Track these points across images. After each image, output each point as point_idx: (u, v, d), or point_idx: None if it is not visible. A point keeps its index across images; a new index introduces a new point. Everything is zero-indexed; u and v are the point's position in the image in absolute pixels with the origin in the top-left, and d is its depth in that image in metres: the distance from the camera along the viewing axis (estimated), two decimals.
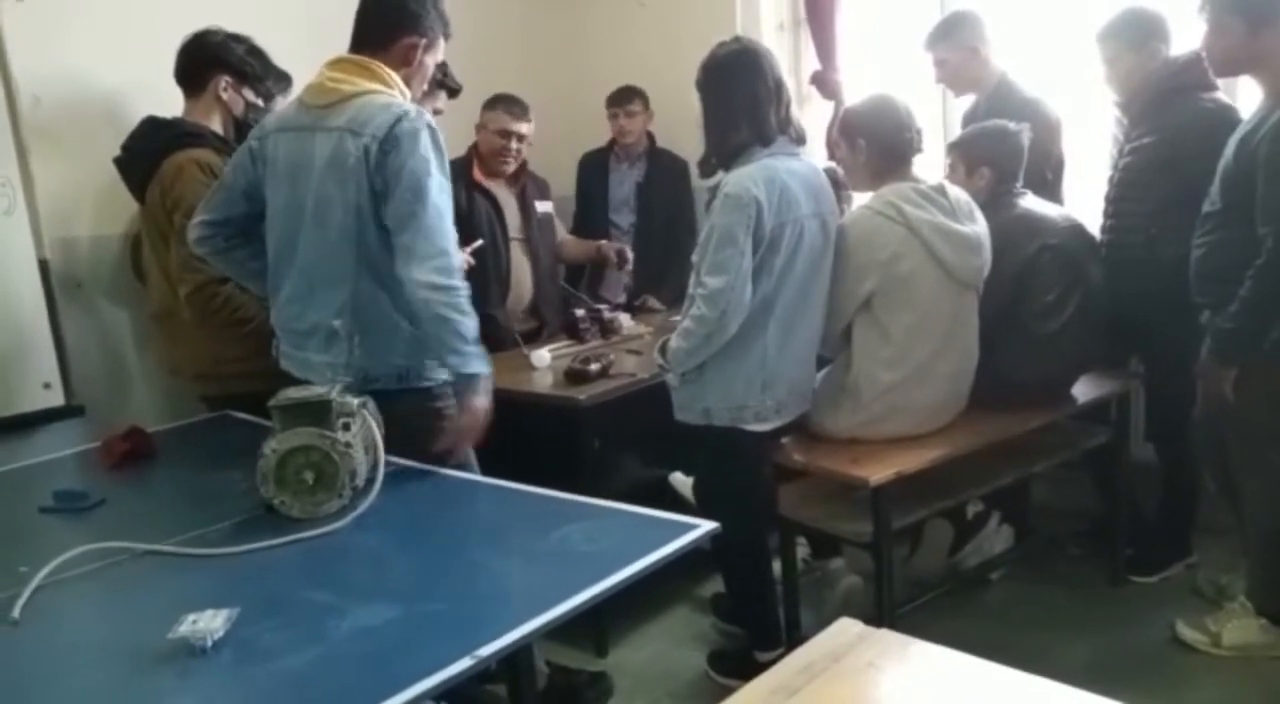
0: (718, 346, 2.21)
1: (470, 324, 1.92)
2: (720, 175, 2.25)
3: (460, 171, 3.02)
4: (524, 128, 3.12)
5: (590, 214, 3.75)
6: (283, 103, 2.60)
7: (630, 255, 3.40)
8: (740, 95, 2.22)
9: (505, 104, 3.11)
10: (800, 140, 2.31)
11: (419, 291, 1.88)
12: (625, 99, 3.61)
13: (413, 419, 1.98)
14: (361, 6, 2.06)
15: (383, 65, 1.99)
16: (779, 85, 2.25)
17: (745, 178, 2.17)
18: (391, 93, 1.98)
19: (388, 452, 1.77)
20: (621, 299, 3.63)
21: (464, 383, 1.95)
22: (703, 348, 2.21)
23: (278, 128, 2.05)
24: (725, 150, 2.25)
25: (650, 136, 3.70)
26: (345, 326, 1.96)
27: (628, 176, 3.71)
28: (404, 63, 2.03)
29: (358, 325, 1.96)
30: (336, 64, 2.01)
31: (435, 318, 1.88)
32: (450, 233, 1.95)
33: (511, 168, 3.19)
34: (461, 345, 1.91)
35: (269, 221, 2.07)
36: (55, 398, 2.59)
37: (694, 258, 2.25)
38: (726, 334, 2.19)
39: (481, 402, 1.95)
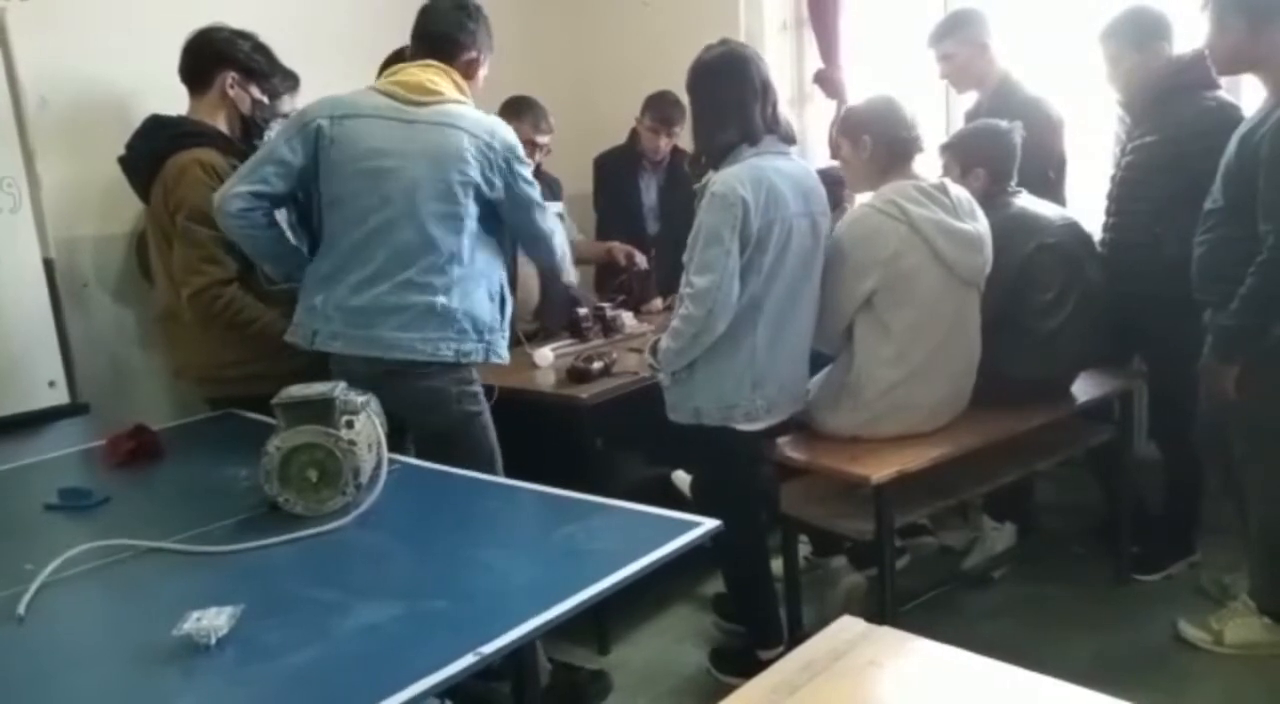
0: (706, 346, 2.22)
1: (565, 264, 2.47)
2: (710, 175, 2.26)
3: None
4: (546, 139, 3.15)
5: (624, 222, 3.59)
6: (289, 102, 2.61)
7: (640, 258, 3.39)
8: (726, 96, 2.24)
9: (532, 116, 3.11)
10: (789, 139, 2.33)
11: (547, 267, 2.57)
12: (673, 119, 3.40)
13: (450, 397, 2.15)
14: (426, 21, 2.20)
15: (463, 80, 2.18)
16: (765, 85, 2.26)
17: (732, 177, 2.18)
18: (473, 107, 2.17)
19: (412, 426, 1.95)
20: (657, 303, 3.54)
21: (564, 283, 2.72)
22: (691, 347, 2.23)
23: (356, 112, 2.10)
24: (713, 150, 2.27)
25: None
26: (447, 303, 2.09)
27: (652, 183, 3.65)
28: (467, 76, 2.20)
29: (464, 305, 2.11)
30: (430, 68, 2.15)
31: (549, 252, 2.35)
32: (556, 223, 2.37)
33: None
34: (562, 263, 2.44)
35: (344, 201, 2.10)
36: (60, 396, 2.59)
37: (684, 258, 2.26)
38: (714, 333, 2.20)
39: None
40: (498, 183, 2.13)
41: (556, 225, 2.34)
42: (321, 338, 2.12)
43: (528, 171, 2.20)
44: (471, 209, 2.11)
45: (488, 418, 2.23)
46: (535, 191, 2.23)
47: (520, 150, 2.18)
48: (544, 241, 2.31)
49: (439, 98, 2.11)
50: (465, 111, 2.13)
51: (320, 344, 2.12)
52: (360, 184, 2.09)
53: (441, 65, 2.16)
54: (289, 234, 2.28)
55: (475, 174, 2.09)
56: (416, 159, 2.07)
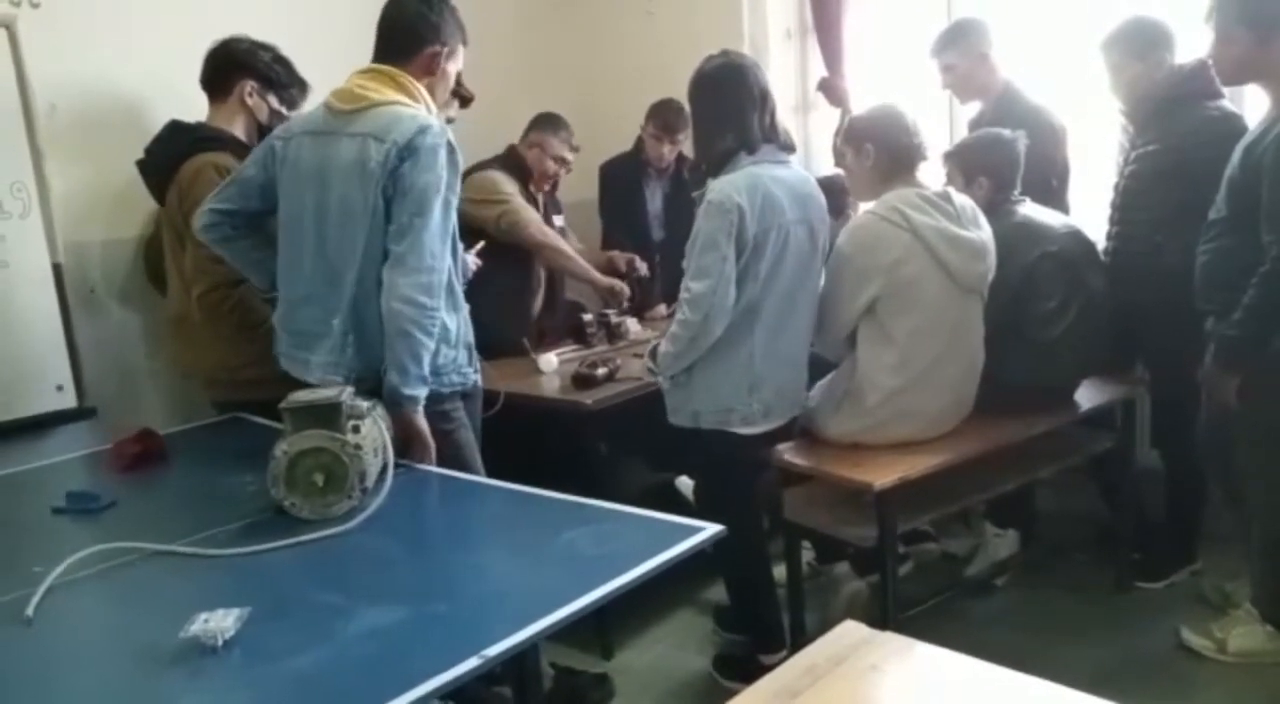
0: (703, 350, 2.24)
1: (429, 348, 1.93)
2: (709, 183, 2.28)
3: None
4: (572, 155, 3.24)
5: (630, 229, 3.60)
6: (302, 110, 2.63)
7: (640, 265, 3.42)
8: (725, 105, 2.27)
9: (565, 132, 3.19)
10: (788, 148, 2.35)
11: (394, 301, 1.90)
12: (677, 127, 3.40)
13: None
14: (383, 18, 2.09)
15: (411, 79, 2.04)
16: (764, 95, 2.29)
17: (728, 185, 2.21)
18: (418, 106, 2.02)
19: None
20: (661, 309, 3.56)
21: (394, 399, 1.91)
22: (688, 351, 2.25)
23: (302, 130, 2.07)
24: (712, 158, 2.30)
25: None
26: (341, 326, 2.00)
27: (657, 190, 3.67)
28: (427, 72, 2.08)
29: (354, 326, 1.99)
30: (366, 73, 2.05)
31: (400, 331, 1.90)
32: (445, 254, 1.97)
33: (549, 188, 3.29)
34: (411, 365, 1.91)
35: (284, 222, 2.09)
36: (67, 400, 2.61)
37: (684, 264, 2.28)
38: (711, 337, 2.22)
39: (416, 421, 1.94)
40: (387, 184, 1.92)
41: (437, 260, 1.94)
42: (280, 355, 2.12)
43: (423, 175, 1.91)
44: (378, 223, 1.94)
45: (463, 435, 2.11)
46: (424, 202, 1.91)
47: (424, 149, 1.91)
48: (402, 261, 1.90)
49: (366, 103, 1.98)
50: (379, 114, 1.96)
51: (282, 362, 2.12)
52: (293, 205, 2.05)
53: (385, 68, 2.03)
54: None
55: (376, 184, 1.92)
56: (335, 175, 1.97)
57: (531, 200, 3.19)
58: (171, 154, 2.43)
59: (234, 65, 2.48)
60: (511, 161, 3.20)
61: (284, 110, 2.54)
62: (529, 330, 3.15)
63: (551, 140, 3.17)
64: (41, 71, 2.56)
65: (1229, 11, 2.19)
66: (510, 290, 3.11)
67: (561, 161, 3.21)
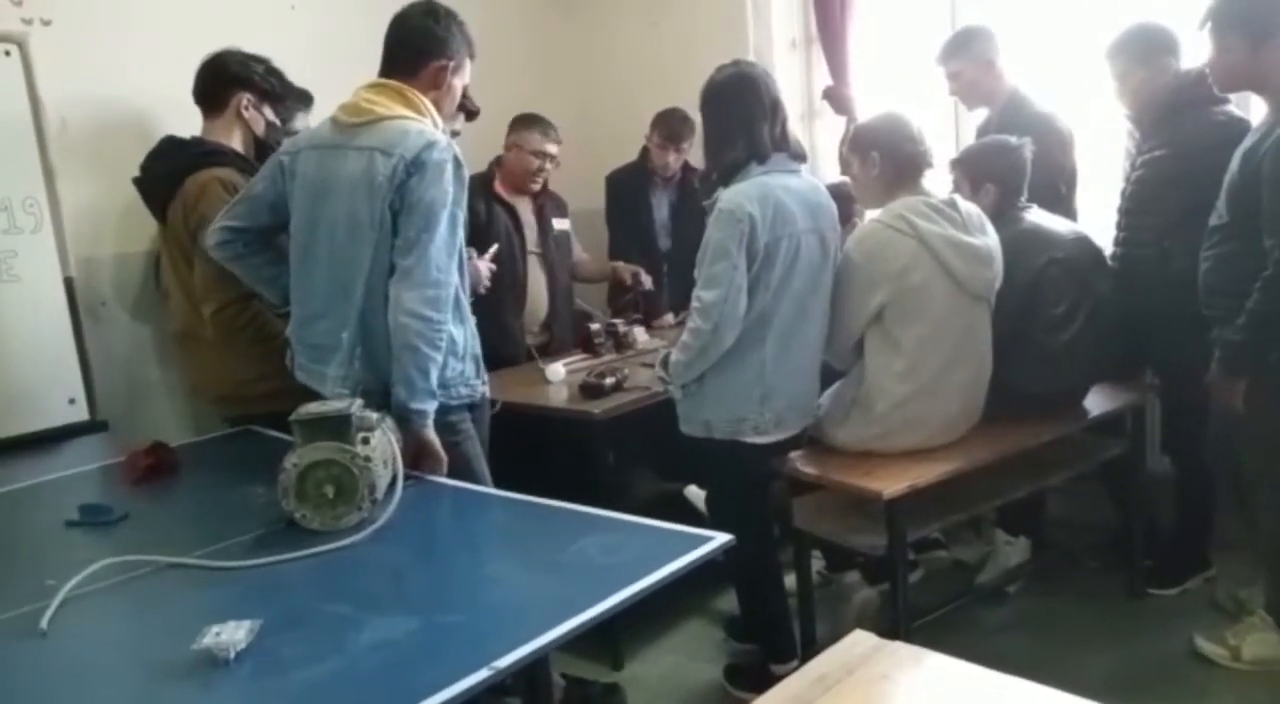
0: (714, 359, 2.25)
1: (436, 362, 1.95)
2: (719, 193, 2.29)
3: (482, 184, 3.13)
4: (555, 149, 3.21)
5: (636, 239, 3.64)
6: (303, 121, 2.65)
7: (645, 277, 3.43)
8: (735, 115, 2.28)
9: (540, 126, 3.19)
10: (799, 157, 2.35)
11: (401, 315, 1.92)
12: (681, 136, 3.44)
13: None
14: (390, 32, 2.10)
15: (418, 93, 2.05)
16: (775, 104, 2.29)
17: (739, 194, 2.22)
18: (424, 120, 2.03)
19: None
20: (668, 319, 3.59)
21: (402, 414, 1.91)
22: (699, 360, 2.26)
23: (309, 145, 2.09)
24: (723, 168, 2.31)
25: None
26: (350, 339, 2.01)
27: (664, 200, 3.69)
28: (433, 86, 2.09)
29: (362, 338, 2.00)
30: (374, 87, 2.06)
31: (406, 345, 1.92)
32: (451, 268, 1.99)
33: (539, 187, 3.27)
34: (418, 379, 1.92)
35: (294, 236, 2.10)
36: (79, 413, 2.63)
37: (695, 273, 2.28)
38: (721, 346, 2.23)
39: (425, 435, 1.94)
40: (395, 198, 1.94)
41: (444, 275, 1.96)
42: (297, 367, 2.14)
43: (430, 190, 1.93)
44: (384, 236, 1.95)
45: (470, 448, 2.12)
46: (431, 216, 1.93)
47: (431, 164, 1.92)
48: (408, 275, 1.92)
49: (372, 117, 1.99)
50: (386, 128, 1.97)
51: (298, 375, 2.13)
52: (302, 219, 2.07)
53: (391, 82, 2.05)
54: None
55: (383, 198, 1.93)
56: (342, 189, 1.98)
57: (501, 203, 3.19)
58: (172, 170, 2.42)
59: (229, 78, 2.48)
60: (494, 167, 3.22)
61: (279, 123, 2.54)
62: (510, 339, 3.15)
63: (527, 136, 3.17)
64: (53, 87, 2.59)
65: (1224, 20, 2.20)
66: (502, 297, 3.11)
67: (543, 156, 3.17)
